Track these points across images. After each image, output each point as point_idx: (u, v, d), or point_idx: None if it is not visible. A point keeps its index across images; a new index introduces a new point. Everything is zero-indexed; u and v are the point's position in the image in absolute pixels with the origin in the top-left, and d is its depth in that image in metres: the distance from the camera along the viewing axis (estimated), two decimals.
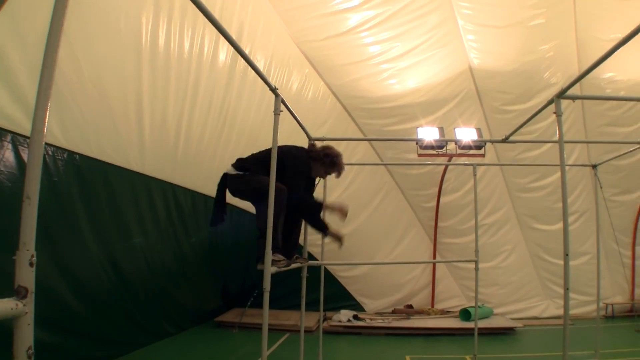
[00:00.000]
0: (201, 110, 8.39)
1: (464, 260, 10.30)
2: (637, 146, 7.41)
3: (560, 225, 11.84)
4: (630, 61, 9.59)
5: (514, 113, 10.88)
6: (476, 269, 7.66)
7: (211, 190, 10.06)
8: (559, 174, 11.56)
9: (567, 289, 4.32)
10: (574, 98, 4.85)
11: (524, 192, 12.19)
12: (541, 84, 10.87)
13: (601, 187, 8.38)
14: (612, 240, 11.67)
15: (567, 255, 4.35)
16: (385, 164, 11.70)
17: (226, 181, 5.14)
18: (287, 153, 5.01)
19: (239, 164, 5.08)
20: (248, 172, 4.96)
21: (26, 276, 1.69)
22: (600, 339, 7.80)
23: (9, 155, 5.70)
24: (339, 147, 10.23)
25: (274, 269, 4.27)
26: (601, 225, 10.71)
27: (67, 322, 6.63)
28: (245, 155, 5.29)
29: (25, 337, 1.69)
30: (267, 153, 5.06)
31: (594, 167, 8.92)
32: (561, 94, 4.47)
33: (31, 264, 1.71)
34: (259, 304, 10.66)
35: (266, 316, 4.12)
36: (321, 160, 5.38)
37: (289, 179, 4.82)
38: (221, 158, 9.23)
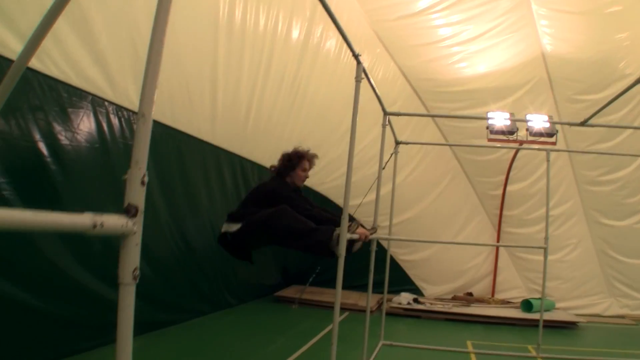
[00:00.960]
0: (273, 86, 8.47)
1: (532, 247, 10.09)
2: None
3: (628, 222, 11.60)
4: None
5: (586, 103, 10.55)
6: (545, 257, 7.51)
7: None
8: (630, 168, 11.33)
9: None
10: None
11: (592, 185, 11.83)
12: (615, 74, 10.50)
13: None
14: None
15: None
16: (452, 145, 11.50)
17: (227, 241, 4.73)
18: (264, 187, 4.91)
19: (234, 217, 4.73)
20: (248, 219, 4.58)
21: (137, 194, 1.67)
22: None
23: (87, 117, 5.88)
24: (410, 122, 10.27)
25: (349, 235, 4.19)
26: None
27: (139, 287, 6.79)
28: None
29: (132, 257, 1.67)
30: (253, 193, 4.98)
31: None
32: None
33: (143, 183, 1.69)
34: (318, 283, 10.83)
35: (339, 281, 4.09)
36: (289, 164, 5.07)
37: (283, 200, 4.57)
38: (290, 135, 9.29)
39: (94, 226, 1.40)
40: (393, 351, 7.37)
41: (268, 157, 9.72)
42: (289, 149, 5.22)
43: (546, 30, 10.00)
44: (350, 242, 4.46)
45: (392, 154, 7.39)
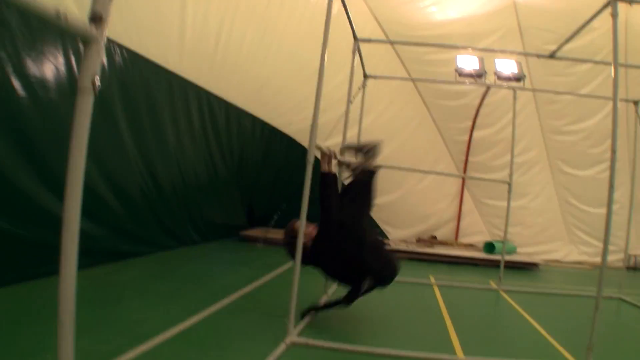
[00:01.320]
0: (242, 18, 8.24)
1: (496, 180, 10.25)
2: None
3: (591, 172, 11.83)
4: None
5: None
6: (509, 191, 7.66)
7: (244, 103, 10.11)
8: (595, 118, 11.49)
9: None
10: (631, 2, 4.78)
11: (558, 134, 12.02)
12: (585, 27, 10.52)
13: None
14: None
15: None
16: (419, 80, 11.25)
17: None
18: (317, 252, 4.93)
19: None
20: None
21: (103, 4, 1.75)
22: (624, 283, 7.89)
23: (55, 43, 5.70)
24: (380, 63, 10.13)
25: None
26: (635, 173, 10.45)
27: (104, 215, 6.76)
28: None
29: (93, 64, 1.74)
30: (325, 261, 4.97)
31: (636, 103, 8.76)
32: None
33: None
34: (282, 224, 10.89)
35: (309, 175, 4.15)
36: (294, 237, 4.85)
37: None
38: (258, 72, 9.16)
39: (57, 16, 1.42)
40: None
41: (236, 94, 9.62)
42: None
43: None
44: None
45: (359, 88, 7.37)
